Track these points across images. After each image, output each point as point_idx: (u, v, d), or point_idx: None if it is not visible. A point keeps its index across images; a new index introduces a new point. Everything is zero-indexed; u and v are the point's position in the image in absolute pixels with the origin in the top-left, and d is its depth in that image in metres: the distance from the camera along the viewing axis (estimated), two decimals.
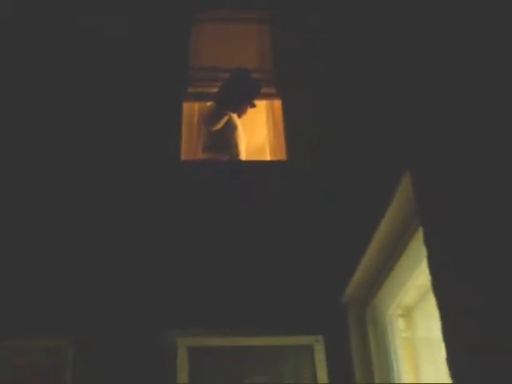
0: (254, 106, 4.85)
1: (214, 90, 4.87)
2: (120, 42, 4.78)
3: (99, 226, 3.98)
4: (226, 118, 4.70)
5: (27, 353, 3.66)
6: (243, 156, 4.72)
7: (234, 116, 4.78)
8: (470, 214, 1.98)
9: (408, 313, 3.42)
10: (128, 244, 3.92)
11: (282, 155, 4.60)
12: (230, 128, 4.71)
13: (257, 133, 5.41)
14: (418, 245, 2.66)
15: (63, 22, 4.79)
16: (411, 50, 2.67)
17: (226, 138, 4.68)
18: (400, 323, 3.45)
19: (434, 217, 2.33)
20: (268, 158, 4.95)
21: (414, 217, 2.66)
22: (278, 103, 4.91)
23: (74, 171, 4.18)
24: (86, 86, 4.58)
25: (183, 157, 4.51)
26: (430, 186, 2.38)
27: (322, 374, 3.51)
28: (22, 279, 3.79)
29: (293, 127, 4.57)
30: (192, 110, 4.87)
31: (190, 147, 4.71)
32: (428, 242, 2.36)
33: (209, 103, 4.87)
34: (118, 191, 4.12)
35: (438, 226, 2.29)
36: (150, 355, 3.60)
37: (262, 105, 5.09)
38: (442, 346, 2.17)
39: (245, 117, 4.93)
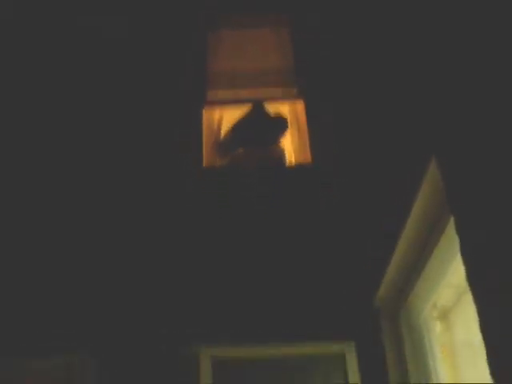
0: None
1: (234, 94, 4.77)
2: (139, 49, 4.75)
3: (120, 235, 3.91)
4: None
5: (41, 372, 3.56)
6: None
7: None
8: (504, 199, 1.81)
9: (445, 315, 3.23)
10: (150, 253, 3.84)
11: (306, 158, 4.46)
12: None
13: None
14: (450, 238, 2.49)
15: (72, 24, 4.73)
16: (433, 35, 2.51)
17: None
18: (437, 326, 3.25)
19: (464, 204, 2.16)
20: (292, 161, 4.82)
21: (443, 208, 2.49)
22: (300, 105, 4.79)
23: (94, 178, 4.13)
24: (108, 93, 4.53)
25: (205, 163, 4.40)
26: (458, 173, 2.20)
27: (355, 382, 3.32)
28: (32, 295, 3.69)
29: (316, 129, 4.45)
30: (212, 115, 4.76)
31: (212, 153, 4.61)
32: (460, 231, 2.18)
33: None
34: (140, 199, 4.06)
35: (469, 214, 2.12)
36: (173, 367, 3.47)
37: (284, 108, 4.96)
38: (484, 349, 1.99)
39: None
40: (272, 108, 4.78)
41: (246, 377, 3.36)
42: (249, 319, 3.61)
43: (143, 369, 3.48)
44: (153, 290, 3.72)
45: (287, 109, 5.00)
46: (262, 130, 4.63)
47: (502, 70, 1.82)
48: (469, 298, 2.14)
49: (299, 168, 4.48)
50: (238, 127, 4.68)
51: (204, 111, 4.68)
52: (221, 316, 3.62)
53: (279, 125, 4.69)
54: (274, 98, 4.82)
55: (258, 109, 4.69)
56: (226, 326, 3.59)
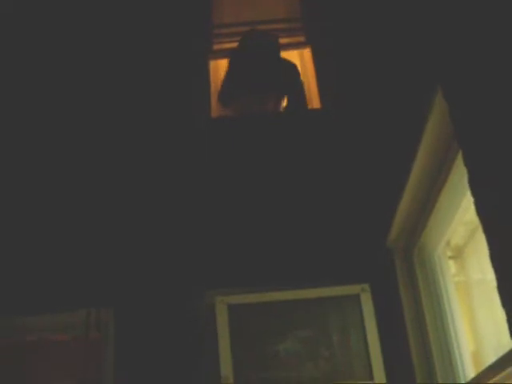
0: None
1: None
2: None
3: (133, 188, 3.92)
4: None
5: (66, 327, 3.61)
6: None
7: None
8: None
9: (459, 254, 3.22)
10: (163, 204, 3.85)
11: (316, 103, 4.43)
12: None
13: None
14: (460, 173, 2.45)
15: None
16: None
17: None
18: (451, 266, 3.24)
19: (472, 136, 2.13)
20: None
21: (452, 141, 2.45)
22: (308, 52, 4.73)
23: (106, 133, 4.13)
24: (115, 44, 4.49)
25: (213, 114, 4.38)
26: (465, 103, 2.17)
27: (371, 324, 3.33)
28: (55, 251, 3.72)
29: (324, 74, 4.40)
30: (219, 66, 4.72)
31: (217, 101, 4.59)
32: (468, 164, 2.16)
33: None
34: (149, 152, 4.05)
35: (477, 146, 2.09)
36: (190, 317, 3.50)
37: (293, 55, 4.90)
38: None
39: None
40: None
41: (262, 322, 3.38)
42: (263, 264, 3.62)
43: (160, 319, 3.52)
44: (168, 240, 3.73)
45: (295, 56, 4.95)
46: (275, 77, 4.55)
47: None
48: (483, 236, 2.11)
49: (309, 113, 4.45)
50: (248, 71, 4.59)
51: (211, 62, 4.64)
52: (235, 263, 3.63)
53: (292, 71, 4.62)
54: (281, 46, 4.75)
55: (270, 44, 4.61)
56: (240, 273, 3.60)
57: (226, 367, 3.24)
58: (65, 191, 3.89)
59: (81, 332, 3.53)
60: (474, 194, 2.11)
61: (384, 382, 3.23)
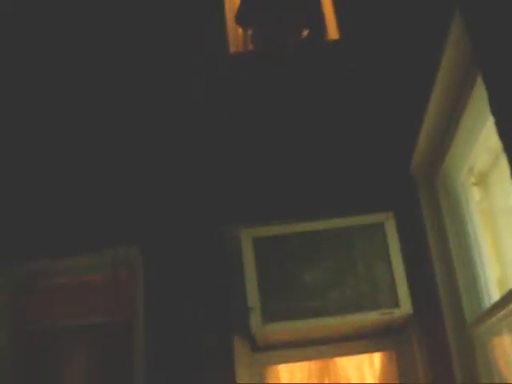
0: None
1: None
2: None
3: (152, 124, 3.94)
4: None
5: (94, 267, 3.66)
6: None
7: None
8: None
9: (483, 180, 3.18)
10: (183, 141, 3.88)
11: (334, 34, 4.34)
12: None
13: None
14: (481, 97, 2.41)
15: None
16: None
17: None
18: (475, 193, 3.21)
19: (491, 58, 2.08)
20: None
21: (471, 65, 2.40)
22: None
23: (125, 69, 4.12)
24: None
25: (231, 49, 4.32)
26: (483, 23, 2.11)
27: (395, 252, 3.33)
28: (78, 193, 3.76)
29: (341, 4, 4.31)
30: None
31: (238, 39, 4.51)
32: (488, 86, 2.12)
33: None
34: (166, 89, 4.04)
35: (497, 68, 2.04)
36: (216, 250, 3.56)
37: None
38: None
39: None
40: None
41: (287, 253, 3.40)
42: (287, 196, 3.65)
43: (186, 254, 3.57)
44: (191, 174, 3.77)
45: None
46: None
47: None
48: (506, 162, 2.08)
49: (328, 45, 4.38)
50: None
51: None
52: (259, 195, 3.66)
53: None
54: None
55: None
56: (264, 205, 3.63)
57: (253, 298, 3.28)
58: (88, 138, 3.91)
59: (109, 271, 3.59)
60: (495, 116, 2.08)
61: (410, 309, 3.26)
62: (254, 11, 4.45)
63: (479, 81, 2.32)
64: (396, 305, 3.26)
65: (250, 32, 4.49)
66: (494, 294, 2.90)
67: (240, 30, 4.58)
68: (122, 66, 4.13)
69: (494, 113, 2.06)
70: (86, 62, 4.15)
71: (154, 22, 4.27)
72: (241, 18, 4.48)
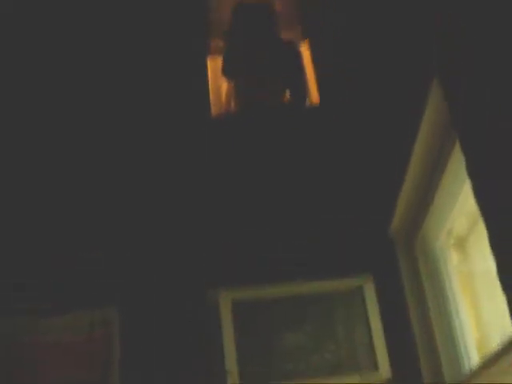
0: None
1: None
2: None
3: (134, 188, 3.92)
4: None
5: (72, 327, 3.61)
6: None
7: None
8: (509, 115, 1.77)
9: (461, 243, 3.21)
10: (165, 202, 3.86)
11: (314, 99, 4.43)
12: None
13: None
14: (459, 161, 2.45)
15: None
16: None
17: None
18: (454, 256, 3.24)
19: (468, 123, 2.13)
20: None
21: (449, 129, 2.46)
22: (305, 47, 4.73)
23: (104, 134, 4.13)
24: (113, 44, 4.49)
25: (213, 112, 4.38)
26: (460, 91, 2.17)
27: (374, 315, 3.34)
28: (60, 252, 3.73)
29: (323, 69, 4.40)
30: (217, 64, 4.71)
31: (219, 102, 4.57)
32: (465, 151, 2.17)
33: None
34: (149, 152, 4.04)
35: (473, 132, 2.09)
36: (194, 312, 3.52)
37: None
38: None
39: None
40: None
41: (266, 316, 3.38)
42: (266, 259, 3.61)
43: (164, 316, 3.52)
44: (170, 237, 3.74)
45: None
46: (275, 61, 4.50)
47: None
48: (483, 225, 2.11)
49: (309, 109, 4.45)
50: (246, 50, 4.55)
51: (208, 60, 4.63)
52: (238, 258, 3.63)
53: (293, 54, 4.57)
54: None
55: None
56: (243, 268, 3.60)
57: (231, 362, 3.25)
58: (69, 195, 3.90)
59: (86, 331, 3.54)
60: (472, 180, 2.12)
61: (389, 373, 3.24)
62: (238, 64, 4.50)
63: (457, 146, 2.37)
64: (375, 368, 3.25)
65: (232, 85, 4.52)
66: (474, 357, 2.90)
67: (223, 93, 4.63)
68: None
69: (471, 177, 2.10)
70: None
71: (139, 83, 4.32)
72: (226, 69, 4.54)
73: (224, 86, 4.67)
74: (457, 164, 2.53)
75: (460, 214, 2.95)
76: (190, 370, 3.40)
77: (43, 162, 4.03)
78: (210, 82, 4.50)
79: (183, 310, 3.53)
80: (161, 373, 3.41)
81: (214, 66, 4.70)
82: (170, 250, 3.71)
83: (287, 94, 4.47)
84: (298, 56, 4.52)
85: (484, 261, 3.00)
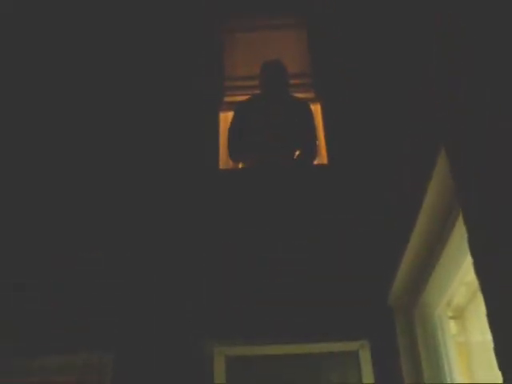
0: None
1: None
2: (155, 51, 4.79)
3: (136, 236, 3.94)
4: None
5: (65, 370, 3.58)
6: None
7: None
8: None
9: (460, 314, 3.20)
10: (165, 255, 3.87)
11: (322, 159, 4.47)
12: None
13: None
14: (461, 234, 2.47)
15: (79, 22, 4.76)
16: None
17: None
18: (452, 326, 3.23)
19: (472, 198, 2.15)
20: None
21: (453, 203, 2.48)
22: (317, 108, 4.79)
23: (114, 181, 4.18)
24: (124, 96, 4.57)
25: (221, 166, 4.43)
26: (466, 166, 2.20)
27: (369, 381, 3.31)
28: (56, 296, 3.73)
29: (333, 131, 4.46)
30: (228, 119, 4.78)
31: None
32: (468, 225, 2.18)
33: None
34: (156, 203, 4.08)
35: (477, 207, 2.11)
36: (188, 367, 3.48)
37: None
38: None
39: None
40: None
41: (260, 375, 3.36)
42: (262, 318, 3.60)
43: (158, 369, 3.49)
44: (167, 290, 3.74)
45: None
46: (288, 123, 4.56)
47: None
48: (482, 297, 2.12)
49: (316, 169, 4.49)
50: (260, 118, 4.60)
51: (221, 114, 4.70)
52: (234, 315, 3.62)
53: (305, 114, 4.63)
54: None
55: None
56: (239, 325, 3.59)
57: None
58: (63, 242, 3.92)
59: (79, 373, 3.52)
60: (473, 254, 2.13)
61: None
62: (246, 144, 4.54)
63: (460, 218, 2.38)
64: None
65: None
66: None
67: None
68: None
69: (473, 253, 2.11)
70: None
71: (151, 136, 4.38)
72: (234, 155, 4.57)
73: None
74: (459, 236, 2.54)
75: (460, 285, 2.95)
76: None
77: (44, 163, 4.07)
78: (220, 136, 4.56)
79: (178, 363, 3.50)
80: None
81: (225, 119, 4.77)
82: (167, 302, 3.70)
83: (297, 151, 4.50)
84: (310, 115, 4.57)
85: (482, 332, 2.99)
